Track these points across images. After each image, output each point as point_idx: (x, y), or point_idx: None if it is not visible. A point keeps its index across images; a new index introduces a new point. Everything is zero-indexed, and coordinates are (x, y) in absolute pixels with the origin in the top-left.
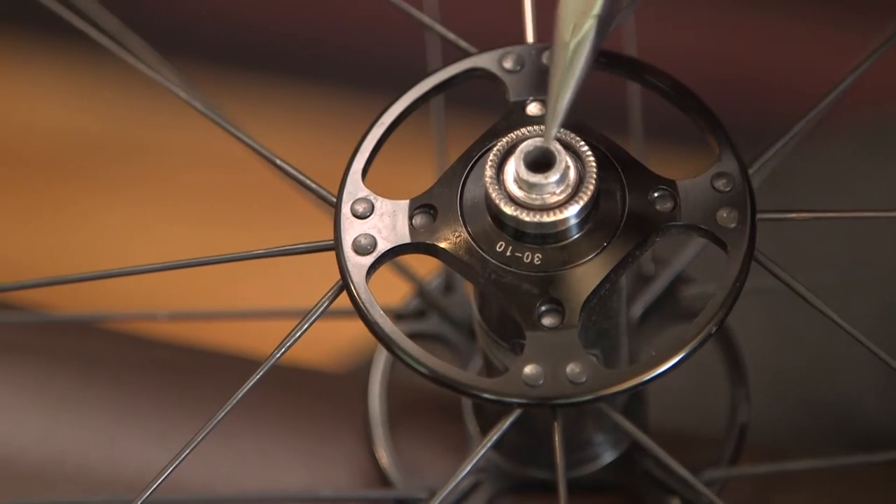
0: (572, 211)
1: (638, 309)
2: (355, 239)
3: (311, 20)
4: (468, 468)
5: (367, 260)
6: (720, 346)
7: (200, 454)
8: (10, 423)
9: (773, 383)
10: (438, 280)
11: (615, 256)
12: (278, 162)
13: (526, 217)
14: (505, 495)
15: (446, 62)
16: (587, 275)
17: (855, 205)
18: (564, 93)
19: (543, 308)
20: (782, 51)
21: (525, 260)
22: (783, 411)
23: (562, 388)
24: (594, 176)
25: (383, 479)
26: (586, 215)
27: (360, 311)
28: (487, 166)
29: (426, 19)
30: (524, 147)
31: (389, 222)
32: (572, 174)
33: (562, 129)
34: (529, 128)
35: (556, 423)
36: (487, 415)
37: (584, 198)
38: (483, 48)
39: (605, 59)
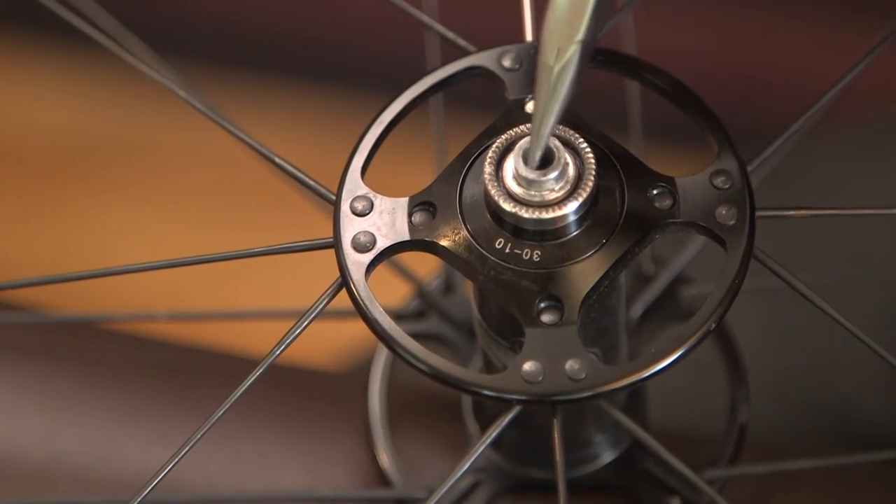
0: (571, 207)
1: (638, 309)
2: (354, 236)
3: (311, 20)
4: (467, 466)
5: (367, 257)
6: (720, 346)
7: (200, 454)
8: (10, 423)
9: (773, 383)
10: (438, 280)
11: (614, 253)
12: (277, 160)
13: (525, 214)
14: (504, 495)
15: (445, 61)
16: (586, 271)
17: (855, 204)
18: (548, 118)
19: (542, 305)
20: (782, 51)
21: (524, 257)
22: (783, 411)
23: (561, 384)
24: (593, 173)
25: (383, 479)
26: (585, 212)
27: (359, 309)
28: (486, 163)
29: (425, 18)
30: (523, 144)
31: (389, 220)
32: (571, 171)
33: (561, 126)
34: (528, 125)
35: (555, 420)
36: (487, 414)
37: (583, 194)
38: (482, 47)
39: (604, 57)
